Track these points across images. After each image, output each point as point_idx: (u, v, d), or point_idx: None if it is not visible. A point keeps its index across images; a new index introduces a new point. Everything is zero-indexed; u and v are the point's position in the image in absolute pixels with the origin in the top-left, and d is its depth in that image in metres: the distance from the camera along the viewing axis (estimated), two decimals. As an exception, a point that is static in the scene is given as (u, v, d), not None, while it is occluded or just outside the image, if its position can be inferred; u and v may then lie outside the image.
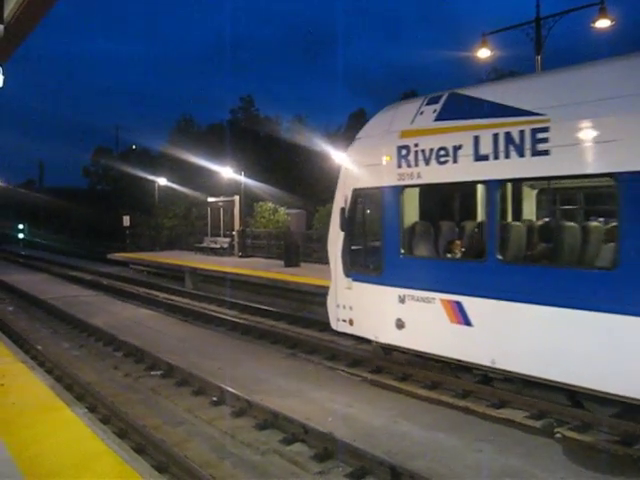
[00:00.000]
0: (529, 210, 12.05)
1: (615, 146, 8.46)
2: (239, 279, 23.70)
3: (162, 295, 24.21)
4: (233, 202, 35.04)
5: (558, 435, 9.00)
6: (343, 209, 12.79)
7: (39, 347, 15.18)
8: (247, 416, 10.12)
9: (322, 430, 9.00)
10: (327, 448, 8.52)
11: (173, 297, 23.96)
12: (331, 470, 8.11)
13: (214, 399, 10.97)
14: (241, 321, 17.66)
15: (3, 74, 7.28)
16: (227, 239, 35.21)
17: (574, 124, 8.95)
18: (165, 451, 8.33)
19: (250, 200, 38.54)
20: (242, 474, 8.04)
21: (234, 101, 75.95)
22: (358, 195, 12.65)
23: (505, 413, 9.89)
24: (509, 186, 10.95)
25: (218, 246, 35.31)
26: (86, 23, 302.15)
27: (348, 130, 59.28)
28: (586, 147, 8.87)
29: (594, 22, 20.80)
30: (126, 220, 46.21)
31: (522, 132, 9.51)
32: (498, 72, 55.15)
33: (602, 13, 20.35)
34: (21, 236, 69.69)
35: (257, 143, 56.13)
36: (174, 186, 46.22)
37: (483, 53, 24.00)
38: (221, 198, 36.87)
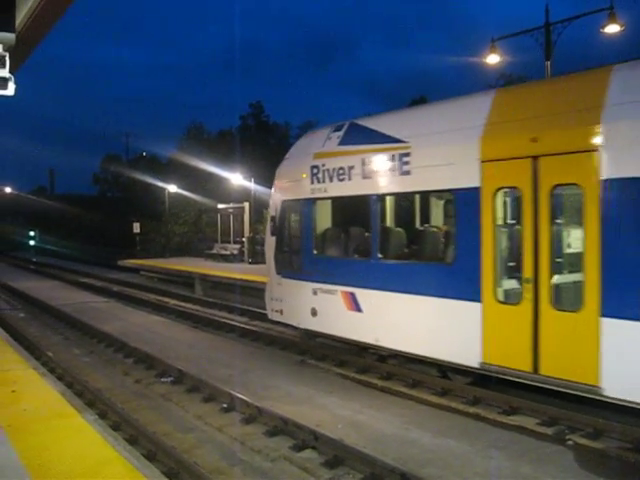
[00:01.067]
0: (401, 218, 14.49)
1: (452, 168, 10.82)
2: (249, 285, 23.70)
3: (172, 302, 24.29)
4: (243, 209, 35.14)
5: (570, 442, 8.95)
6: (273, 217, 15.39)
7: (50, 354, 15.23)
8: (257, 423, 10.12)
9: (332, 437, 8.98)
10: (337, 455, 8.50)
11: (183, 304, 24.01)
12: (341, 477, 8.10)
13: (224, 406, 10.97)
14: (251, 328, 17.67)
15: (15, 83, 7.33)
16: (237, 246, 35.29)
17: (426, 150, 11.42)
18: (175, 458, 8.34)
19: (260, 207, 38.59)
20: (252, 481, 8.04)
21: (244, 107, 76.24)
22: (285, 206, 15.07)
23: (516, 420, 9.85)
24: (386, 199, 13.36)
25: (228, 253, 35.38)
26: (96, 30, 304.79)
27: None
28: (434, 168, 11.18)
29: (603, 27, 20.78)
30: (136, 227, 46.39)
31: (393, 156, 11.91)
32: (507, 78, 55.07)
33: (611, 18, 20.33)
34: (32, 243, 70.00)
35: (267, 149, 56.25)
36: (184, 193, 46.38)
37: (492, 59, 24.00)
38: (231, 205, 36.98)
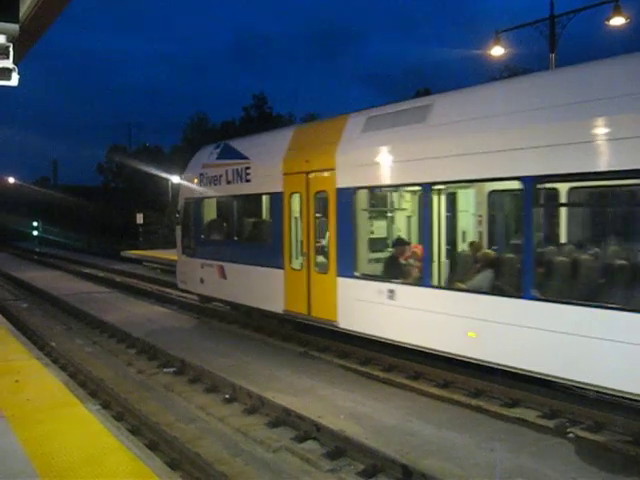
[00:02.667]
0: (249, 212, 18.31)
1: (270, 178, 15.53)
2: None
3: (175, 292, 24.29)
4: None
5: (571, 435, 8.97)
6: (178, 211, 20.78)
7: (53, 344, 15.28)
8: (259, 413, 10.16)
9: (334, 428, 9.02)
10: (339, 446, 8.53)
11: (186, 294, 24.01)
12: (343, 468, 8.13)
13: (226, 396, 11.01)
14: (253, 320, 17.68)
15: (18, 73, 7.33)
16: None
17: (258, 165, 16.21)
18: (178, 448, 8.38)
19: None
20: (254, 471, 8.07)
21: (248, 98, 76.10)
22: (185, 203, 20.14)
23: (517, 412, 9.88)
24: (239, 199, 17.55)
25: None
26: (101, 20, 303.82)
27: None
28: (263, 178, 15.99)
29: (608, 20, 20.70)
30: (139, 217, 46.36)
31: (242, 169, 16.75)
32: (511, 70, 54.82)
33: (616, 11, 20.25)
34: (35, 233, 70.08)
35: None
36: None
37: (496, 51, 23.94)
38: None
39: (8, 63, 7.18)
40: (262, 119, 65.97)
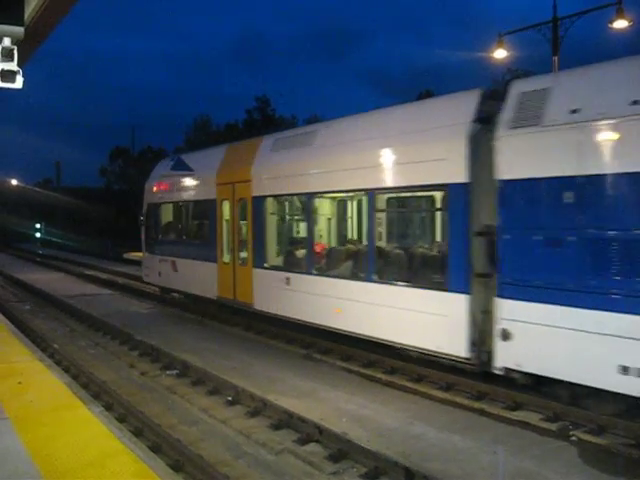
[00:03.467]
0: (195, 216, 21.31)
1: (207, 187, 19.03)
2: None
3: (177, 295, 24.29)
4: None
5: (574, 438, 8.98)
6: (143, 214, 23.85)
7: (56, 345, 15.30)
8: (262, 416, 10.16)
9: (336, 431, 9.02)
10: (341, 449, 8.53)
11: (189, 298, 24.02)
12: (345, 471, 8.13)
13: (229, 399, 11.02)
14: (256, 322, 17.68)
15: (23, 76, 7.34)
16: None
17: (199, 177, 19.97)
18: (180, 450, 8.39)
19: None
20: (256, 474, 8.07)
21: (251, 100, 76.00)
22: (148, 207, 23.49)
23: (520, 415, 9.88)
24: (188, 204, 21.19)
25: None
26: (104, 21, 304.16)
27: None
28: (203, 187, 19.58)
29: (611, 22, 20.72)
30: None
31: (189, 179, 20.61)
32: (513, 73, 54.81)
33: (619, 14, 20.28)
34: (38, 235, 70.17)
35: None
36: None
37: (499, 54, 23.97)
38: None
39: (12, 66, 7.19)
40: (265, 121, 66.00)
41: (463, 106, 11.20)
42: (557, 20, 22.11)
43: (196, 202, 20.45)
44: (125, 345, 15.78)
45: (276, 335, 16.24)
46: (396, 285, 12.40)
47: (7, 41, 7.16)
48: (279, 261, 16.57)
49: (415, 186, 12.19)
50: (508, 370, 10.07)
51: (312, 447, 8.87)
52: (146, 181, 23.90)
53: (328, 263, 14.86)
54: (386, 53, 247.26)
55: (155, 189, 22.84)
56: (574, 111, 9.19)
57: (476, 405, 10.45)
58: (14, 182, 75.02)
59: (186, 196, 20.94)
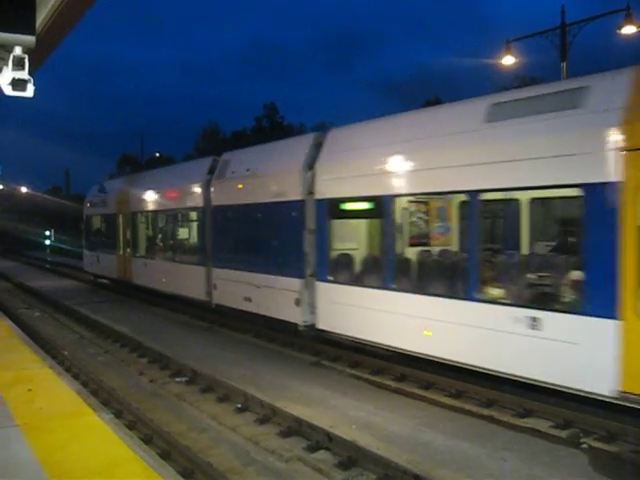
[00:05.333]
0: (110, 223, 29.45)
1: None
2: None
3: (187, 302, 24.32)
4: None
5: (584, 445, 8.94)
6: (83, 222, 33.46)
7: (66, 352, 15.35)
8: (271, 423, 10.16)
9: (346, 438, 9.01)
10: (351, 456, 8.53)
11: (198, 306, 24.01)
12: (355, 478, 8.13)
13: (238, 406, 11.02)
14: (265, 329, 17.68)
15: (33, 84, 7.38)
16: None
17: (108, 198, 29.57)
18: (190, 457, 8.39)
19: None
20: (266, 481, 8.07)
21: (258, 108, 76.19)
22: (86, 217, 33.08)
23: (530, 422, 9.84)
24: (104, 216, 30.02)
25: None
26: (114, 29, 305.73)
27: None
28: (109, 205, 29.25)
29: (620, 28, 20.69)
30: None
31: (104, 199, 29.98)
32: (520, 80, 54.65)
33: (628, 19, 20.25)
34: (47, 242, 70.34)
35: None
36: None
37: (507, 60, 23.95)
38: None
39: (23, 74, 7.23)
40: (273, 129, 66.12)
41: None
42: (565, 26, 22.08)
43: (107, 215, 29.86)
44: (134, 352, 15.80)
45: (285, 342, 16.22)
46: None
47: (18, 50, 7.21)
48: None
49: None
50: None
51: (322, 454, 8.87)
52: (88, 195, 33.73)
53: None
54: (396, 60, 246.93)
55: (88, 205, 33.01)
56: (234, 171, 18.85)
57: (485, 412, 10.41)
58: (24, 189, 75.32)
59: (102, 211, 30.73)
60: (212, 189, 19.57)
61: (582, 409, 9.64)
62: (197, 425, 10.24)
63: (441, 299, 11.37)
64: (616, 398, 8.64)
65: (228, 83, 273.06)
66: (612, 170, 8.64)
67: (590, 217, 9.06)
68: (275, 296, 16.12)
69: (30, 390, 9.33)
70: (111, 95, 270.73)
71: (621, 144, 8.54)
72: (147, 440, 8.82)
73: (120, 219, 27.42)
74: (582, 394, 9.17)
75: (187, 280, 21.20)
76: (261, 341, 16.94)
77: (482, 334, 10.45)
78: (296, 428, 9.68)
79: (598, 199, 8.80)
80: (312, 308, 14.84)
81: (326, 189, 14.40)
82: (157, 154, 76.38)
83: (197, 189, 20.67)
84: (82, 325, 20.10)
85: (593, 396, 9.01)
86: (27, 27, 6.92)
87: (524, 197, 12.20)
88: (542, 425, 9.70)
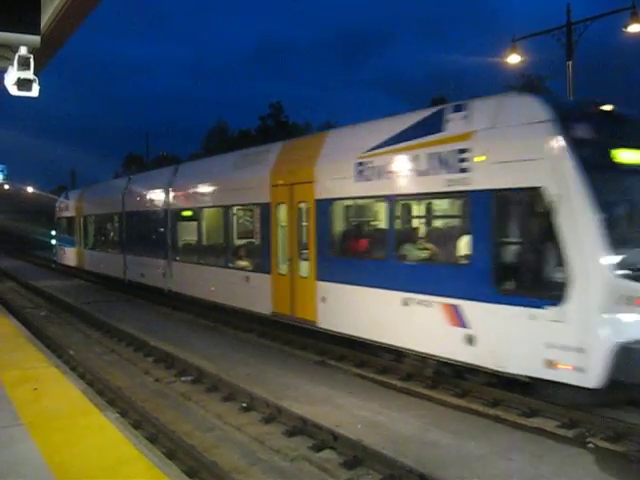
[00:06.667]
0: (70, 224, 37.77)
1: (69, 211, 37.88)
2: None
3: (190, 302, 24.34)
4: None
5: (590, 445, 8.91)
6: (55, 223, 42.20)
7: (71, 352, 15.37)
8: (276, 422, 10.16)
9: (351, 437, 9.01)
10: (356, 455, 8.52)
11: (202, 308, 24.01)
12: (360, 477, 8.12)
13: (244, 405, 11.02)
14: (270, 328, 17.69)
15: (39, 84, 7.39)
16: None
17: (70, 205, 37.96)
18: (195, 456, 8.40)
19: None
20: (271, 480, 8.07)
21: (264, 107, 76.20)
22: (57, 219, 41.44)
23: (536, 422, 9.82)
24: (68, 219, 38.14)
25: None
26: (120, 28, 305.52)
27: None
28: (70, 209, 37.73)
29: (626, 27, 20.63)
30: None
31: (68, 204, 38.56)
32: (526, 78, 54.44)
33: (634, 18, 20.18)
34: (53, 242, 70.44)
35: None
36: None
37: (512, 59, 23.90)
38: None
39: (29, 74, 7.24)
40: (279, 128, 66.11)
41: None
42: (571, 25, 22.02)
43: (69, 218, 37.82)
44: (140, 351, 15.82)
45: (290, 341, 16.22)
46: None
47: (23, 50, 7.22)
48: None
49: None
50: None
51: (327, 454, 8.86)
52: (60, 199, 41.69)
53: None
54: (402, 58, 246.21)
55: (57, 209, 41.06)
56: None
57: (491, 412, 10.39)
58: (30, 189, 75.49)
59: (67, 214, 38.25)
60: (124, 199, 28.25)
61: (588, 409, 9.62)
62: (202, 424, 10.24)
63: (216, 268, 19.71)
64: (274, 315, 16.28)
65: (236, 82, 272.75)
66: (268, 196, 16.48)
67: (262, 219, 17.29)
68: (155, 271, 23.94)
69: (36, 389, 9.36)
70: (117, 94, 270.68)
71: (270, 183, 16.44)
72: (152, 439, 8.81)
73: (81, 221, 35.11)
74: (258, 314, 17.27)
75: (112, 264, 29.37)
76: (265, 340, 16.93)
77: (234, 286, 18.20)
78: (301, 427, 9.67)
79: (263, 211, 17.07)
80: (171, 278, 22.75)
81: (174, 203, 22.74)
82: (163, 153, 76.53)
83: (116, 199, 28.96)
84: (88, 324, 20.13)
85: (257, 312, 17.24)
86: (32, 27, 6.93)
87: (245, 208, 19.46)
88: (548, 425, 9.67)
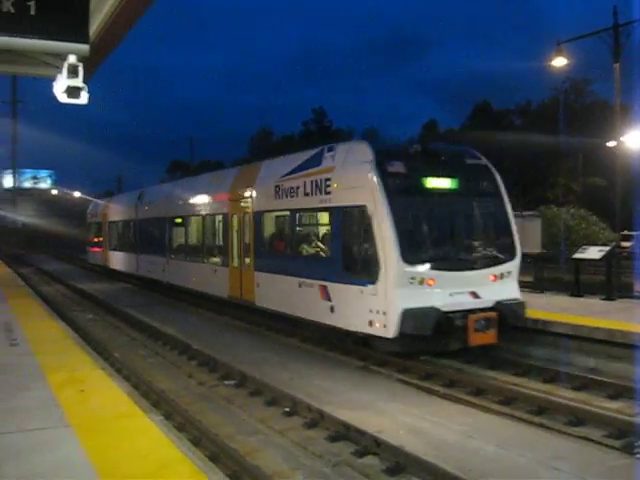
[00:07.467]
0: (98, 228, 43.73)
1: (97, 217, 44.12)
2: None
3: (237, 305, 24.48)
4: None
5: (639, 455, 8.72)
6: (88, 226, 47.28)
7: (116, 354, 15.58)
8: (319, 427, 10.15)
9: (394, 443, 8.96)
10: (399, 462, 8.47)
11: (246, 306, 24.15)
12: (403, 484, 8.07)
13: (286, 410, 11.05)
14: (311, 333, 17.70)
15: (87, 92, 7.53)
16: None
17: (96, 212, 44.74)
18: (238, 460, 8.44)
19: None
20: (314, 485, 8.07)
21: (306, 113, 76.41)
22: (88, 224, 46.45)
23: (582, 431, 9.66)
24: (97, 224, 43.45)
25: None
26: (165, 35, 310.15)
27: (421, 141, 58.91)
28: (99, 216, 43.05)
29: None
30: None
31: (95, 212, 45.72)
32: (571, 81, 53.69)
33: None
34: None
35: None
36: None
37: (558, 62, 23.59)
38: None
39: (78, 82, 7.38)
40: (321, 133, 66.21)
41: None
42: (618, 26, 21.68)
43: (97, 223, 42.70)
44: (184, 355, 15.97)
45: (333, 347, 16.22)
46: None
47: (72, 58, 7.36)
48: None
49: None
50: None
51: (369, 460, 8.83)
52: (87, 211, 47.46)
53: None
54: (447, 62, 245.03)
55: (89, 215, 46.03)
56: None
57: (536, 419, 10.26)
58: (77, 194, 76.79)
59: (95, 220, 43.53)
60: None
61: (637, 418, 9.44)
62: (245, 428, 10.29)
63: (196, 264, 24.95)
64: (230, 297, 21.11)
65: (280, 87, 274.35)
66: (228, 208, 21.27)
67: (224, 226, 21.93)
68: (157, 267, 29.11)
69: (82, 391, 9.49)
70: (163, 101, 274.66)
71: (228, 198, 21.22)
72: (196, 442, 8.88)
73: (106, 226, 40.24)
74: (217, 296, 22.40)
75: (129, 262, 34.78)
76: (308, 345, 16.96)
77: (207, 277, 23.11)
78: (344, 433, 9.65)
79: (224, 219, 21.86)
80: (167, 272, 27.96)
81: (171, 211, 27.66)
82: (208, 160, 77.31)
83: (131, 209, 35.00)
84: (132, 327, 20.40)
85: (220, 296, 22.08)
86: (81, 36, 7.07)
87: (213, 216, 23.57)
88: (595, 434, 9.51)
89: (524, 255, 15.65)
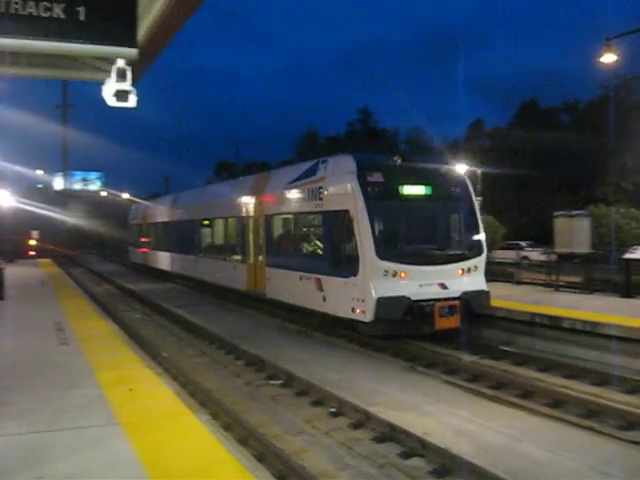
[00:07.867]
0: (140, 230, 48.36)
1: (136, 220, 49.81)
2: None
3: (282, 305, 24.56)
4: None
5: (693, 461, 8.53)
6: (128, 227, 52.48)
7: (165, 354, 15.74)
8: (365, 428, 10.13)
9: (440, 445, 8.89)
10: (445, 464, 8.41)
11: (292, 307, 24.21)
12: (449, 487, 8.00)
13: (332, 410, 11.05)
14: (358, 335, 17.67)
15: (136, 95, 7.62)
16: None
17: (136, 215, 49.48)
18: (284, 460, 8.46)
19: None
20: (360, 486, 8.05)
21: (352, 113, 76.31)
22: (129, 225, 51.93)
23: (633, 435, 9.46)
24: (137, 225, 48.23)
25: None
26: (211, 36, 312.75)
27: (467, 140, 58.37)
28: (138, 218, 48.07)
29: None
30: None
31: (135, 214, 50.69)
32: (622, 78, 52.62)
33: None
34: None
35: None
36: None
37: (607, 58, 23.10)
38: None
39: (126, 86, 7.48)
40: (367, 134, 66.02)
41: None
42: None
43: (137, 224, 46.62)
44: (230, 355, 16.08)
45: (380, 347, 16.19)
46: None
47: (121, 62, 7.46)
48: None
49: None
50: None
51: (415, 461, 8.79)
52: (128, 213, 52.22)
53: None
54: (496, 59, 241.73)
55: (130, 217, 50.24)
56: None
57: (586, 423, 10.07)
58: (125, 196, 77.89)
59: (135, 222, 47.57)
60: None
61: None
62: (291, 428, 10.32)
63: (220, 261, 28.17)
64: (247, 291, 23.85)
65: (326, 87, 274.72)
66: (245, 212, 24.43)
67: (244, 227, 24.76)
68: (188, 264, 32.77)
69: (131, 390, 9.63)
70: (210, 103, 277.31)
71: (245, 202, 24.53)
72: (243, 442, 8.93)
73: (145, 228, 44.13)
74: (238, 290, 25.11)
75: (162, 260, 38.80)
76: (354, 345, 16.95)
77: (229, 272, 26.10)
78: (390, 434, 9.62)
79: (243, 221, 24.68)
80: (196, 268, 31.50)
81: (200, 213, 30.77)
82: (254, 161, 77.80)
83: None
84: (180, 327, 20.62)
85: (239, 290, 24.83)
86: (129, 40, 7.16)
87: (234, 219, 26.30)
88: (647, 438, 9.30)
89: (573, 255, 17.76)
